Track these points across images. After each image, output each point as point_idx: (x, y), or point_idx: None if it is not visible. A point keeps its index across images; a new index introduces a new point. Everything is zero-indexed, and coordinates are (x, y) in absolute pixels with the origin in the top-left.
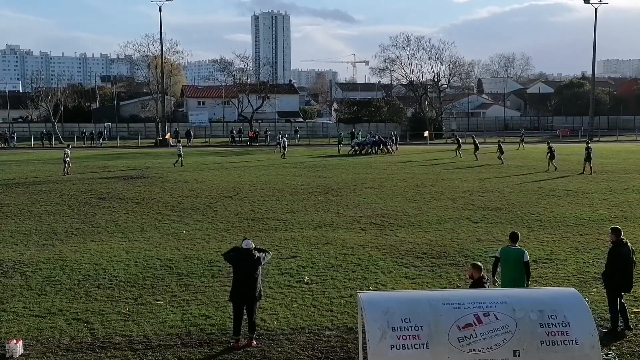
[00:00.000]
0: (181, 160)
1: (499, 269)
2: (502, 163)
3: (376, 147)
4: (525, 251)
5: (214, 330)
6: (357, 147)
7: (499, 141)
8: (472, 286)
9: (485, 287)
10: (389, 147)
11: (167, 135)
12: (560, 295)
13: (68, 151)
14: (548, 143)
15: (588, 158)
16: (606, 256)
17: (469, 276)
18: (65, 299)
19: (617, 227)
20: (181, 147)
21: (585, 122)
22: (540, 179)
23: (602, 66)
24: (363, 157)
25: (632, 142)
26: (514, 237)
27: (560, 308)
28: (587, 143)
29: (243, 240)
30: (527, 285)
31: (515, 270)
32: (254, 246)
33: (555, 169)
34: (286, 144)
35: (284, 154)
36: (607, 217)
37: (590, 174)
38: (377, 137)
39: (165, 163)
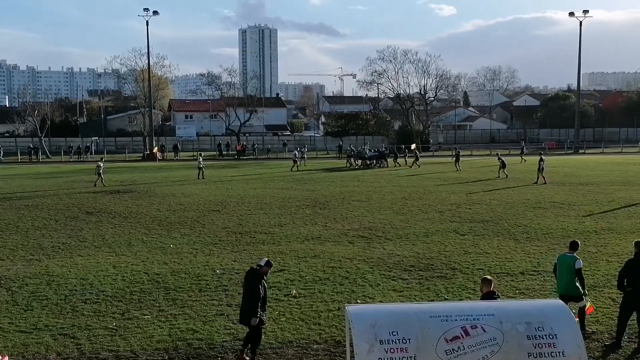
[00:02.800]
0: (202, 173)
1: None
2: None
3: (382, 160)
4: (578, 259)
5: (202, 345)
6: (368, 161)
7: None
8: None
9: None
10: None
11: (155, 149)
12: (547, 307)
13: (101, 164)
14: (497, 154)
15: (540, 168)
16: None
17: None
18: (52, 315)
19: (639, 241)
20: (202, 159)
21: (571, 135)
22: (527, 191)
23: (588, 79)
24: (350, 170)
25: (617, 154)
26: (572, 245)
27: (547, 320)
28: (541, 154)
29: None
30: (584, 294)
31: (566, 276)
32: (262, 265)
33: (506, 176)
34: (299, 155)
35: (297, 167)
36: (593, 229)
37: (544, 183)
38: (382, 150)
39: (152, 177)
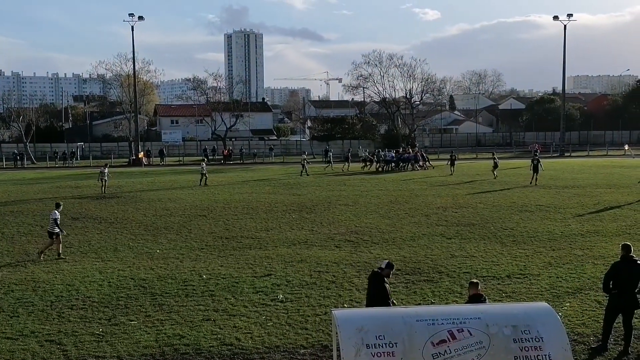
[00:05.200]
0: (205, 179)
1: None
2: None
3: (403, 163)
4: None
5: (189, 350)
6: (392, 163)
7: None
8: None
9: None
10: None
11: (141, 155)
12: (534, 310)
13: (105, 170)
14: (493, 153)
15: (536, 169)
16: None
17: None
18: (38, 321)
19: (626, 243)
20: (205, 165)
21: (557, 138)
22: (513, 194)
23: (573, 82)
24: (338, 175)
25: (602, 157)
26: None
27: (533, 323)
28: (535, 155)
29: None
30: None
31: None
32: (384, 267)
33: (495, 177)
34: (305, 161)
35: (306, 171)
36: (579, 232)
37: (535, 184)
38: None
39: (138, 182)
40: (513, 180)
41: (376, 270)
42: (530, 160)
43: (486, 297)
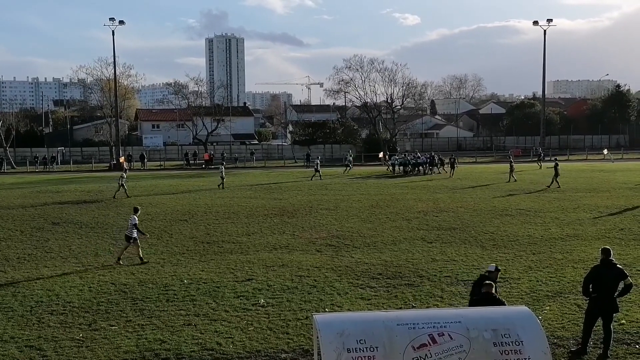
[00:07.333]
0: (222, 183)
1: None
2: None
3: (424, 167)
4: None
5: (169, 355)
6: (409, 167)
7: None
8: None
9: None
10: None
11: (121, 159)
12: (514, 314)
13: (124, 174)
14: (509, 157)
15: (556, 174)
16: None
17: None
18: (17, 326)
19: (605, 247)
20: (223, 169)
21: (537, 142)
22: (493, 198)
23: (553, 87)
24: (328, 178)
25: (582, 162)
26: None
27: (513, 327)
28: (555, 160)
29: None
30: None
31: None
32: (491, 271)
33: (515, 180)
34: (319, 166)
35: (319, 175)
36: (559, 236)
37: (558, 187)
38: (428, 156)
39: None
40: (495, 185)
41: (484, 274)
42: (552, 166)
43: (503, 300)
